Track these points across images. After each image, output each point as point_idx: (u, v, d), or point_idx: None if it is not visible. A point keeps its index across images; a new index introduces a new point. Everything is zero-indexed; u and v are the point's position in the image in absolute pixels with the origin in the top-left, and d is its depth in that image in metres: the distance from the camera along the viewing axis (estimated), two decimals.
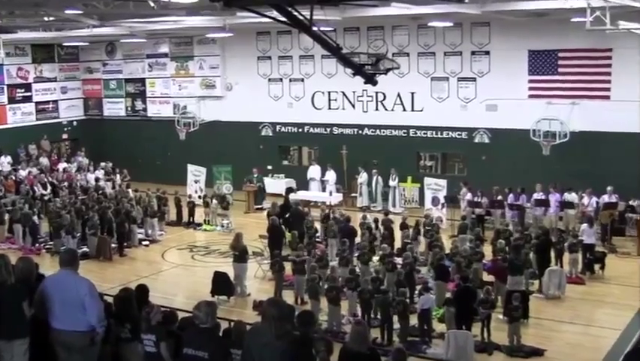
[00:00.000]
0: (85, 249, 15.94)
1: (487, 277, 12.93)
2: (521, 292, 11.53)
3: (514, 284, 11.86)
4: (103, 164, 22.72)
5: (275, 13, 9.29)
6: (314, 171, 21.05)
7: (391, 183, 19.67)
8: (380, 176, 19.84)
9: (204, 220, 19.01)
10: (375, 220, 15.74)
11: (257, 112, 22.37)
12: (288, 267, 13.18)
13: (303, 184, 21.00)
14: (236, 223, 18.26)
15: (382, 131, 20.60)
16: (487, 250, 14.01)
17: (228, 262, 13.94)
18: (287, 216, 16.39)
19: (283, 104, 22.14)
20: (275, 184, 21.32)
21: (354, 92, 20.65)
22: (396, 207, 19.34)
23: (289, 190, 19.84)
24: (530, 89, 18.25)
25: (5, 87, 23.38)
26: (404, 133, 20.29)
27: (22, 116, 24.03)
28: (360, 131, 20.96)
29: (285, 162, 22.96)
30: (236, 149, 22.23)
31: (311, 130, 21.77)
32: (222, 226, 18.42)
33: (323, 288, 11.93)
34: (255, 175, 20.83)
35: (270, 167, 22.10)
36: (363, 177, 20.06)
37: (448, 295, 11.66)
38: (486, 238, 14.99)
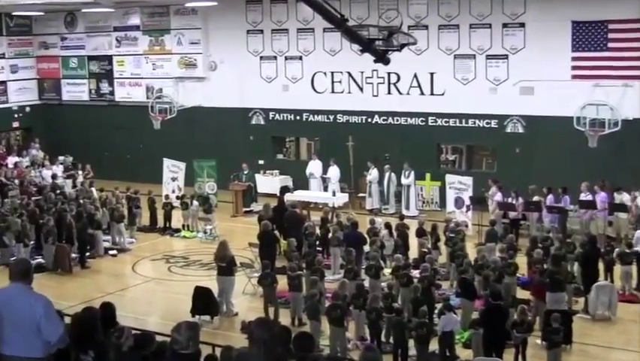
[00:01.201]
0: (40, 260, 15.96)
1: (521, 294, 13.01)
2: (563, 312, 11.47)
3: (554, 302, 11.85)
4: (61, 158, 22.72)
5: None
6: (314, 166, 21.08)
7: (406, 180, 19.77)
8: (393, 173, 19.97)
9: (183, 226, 19.09)
10: (387, 225, 15.76)
11: (246, 96, 22.41)
12: (283, 281, 13.16)
13: (302, 182, 21.05)
14: (221, 229, 18.31)
15: (396, 119, 20.65)
16: (522, 261, 14.02)
17: (212, 276, 14.00)
18: (282, 220, 16.35)
19: (277, 87, 22.15)
20: (268, 182, 21.41)
21: (362, 72, 20.65)
22: (411, 209, 19.44)
23: (285, 190, 19.88)
24: (574, 68, 18.24)
25: None
26: (422, 121, 20.35)
27: None
28: (369, 120, 21.01)
29: (280, 156, 22.96)
30: (221, 140, 22.26)
31: (311, 118, 21.82)
32: (205, 233, 18.43)
33: (324, 306, 11.96)
34: (245, 172, 20.84)
35: (261, 162, 22.17)
36: (372, 174, 20.13)
37: (475, 315, 11.65)
38: (520, 246, 15.03)
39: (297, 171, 21.49)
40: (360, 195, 20.58)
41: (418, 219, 16.73)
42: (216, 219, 18.85)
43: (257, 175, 21.45)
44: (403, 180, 19.79)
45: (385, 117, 20.74)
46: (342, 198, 19.76)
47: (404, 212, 18.90)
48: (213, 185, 20.87)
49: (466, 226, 17.08)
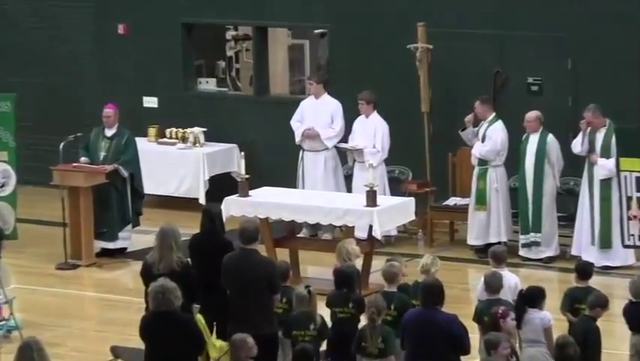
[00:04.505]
0: None
1: None
2: None
3: None
4: None
5: None
6: (316, 116, 22.32)
7: (593, 160, 20.74)
8: (552, 135, 21.17)
9: None
10: (531, 293, 15.54)
11: None
12: None
13: (281, 171, 22.82)
14: (29, 306, 19.27)
15: None
16: None
17: None
18: (214, 278, 15.99)
19: None
20: (173, 164, 23.55)
21: None
22: (614, 248, 20.12)
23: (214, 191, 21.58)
24: None
25: None
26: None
27: None
28: None
29: (209, 86, 25.79)
30: (35, 38, 25.68)
31: None
32: None
33: None
34: (106, 134, 21.91)
35: (153, 103, 24.40)
36: (490, 138, 21.13)
37: None
38: None
39: (260, 129, 23.26)
40: (452, 201, 21.71)
41: (631, 281, 16.27)
42: (11, 275, 19.24)
43: (140, 141, 22.55)
44: (580, 149, 20.58)
45: None
46: (393, 214, 20.34)
47: (586, 256, 19.90)
48: (7, 172, 21.32)
49: None
